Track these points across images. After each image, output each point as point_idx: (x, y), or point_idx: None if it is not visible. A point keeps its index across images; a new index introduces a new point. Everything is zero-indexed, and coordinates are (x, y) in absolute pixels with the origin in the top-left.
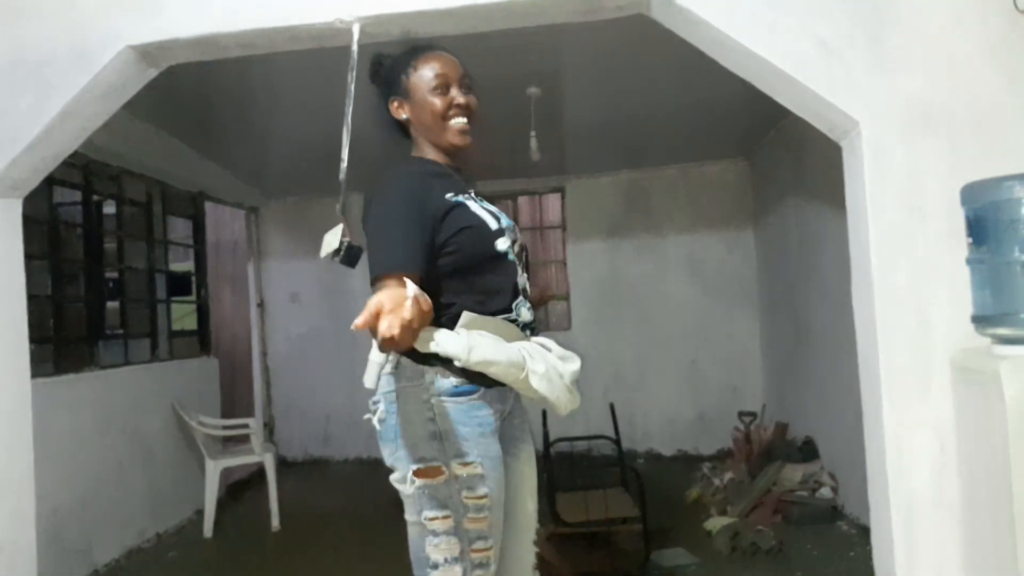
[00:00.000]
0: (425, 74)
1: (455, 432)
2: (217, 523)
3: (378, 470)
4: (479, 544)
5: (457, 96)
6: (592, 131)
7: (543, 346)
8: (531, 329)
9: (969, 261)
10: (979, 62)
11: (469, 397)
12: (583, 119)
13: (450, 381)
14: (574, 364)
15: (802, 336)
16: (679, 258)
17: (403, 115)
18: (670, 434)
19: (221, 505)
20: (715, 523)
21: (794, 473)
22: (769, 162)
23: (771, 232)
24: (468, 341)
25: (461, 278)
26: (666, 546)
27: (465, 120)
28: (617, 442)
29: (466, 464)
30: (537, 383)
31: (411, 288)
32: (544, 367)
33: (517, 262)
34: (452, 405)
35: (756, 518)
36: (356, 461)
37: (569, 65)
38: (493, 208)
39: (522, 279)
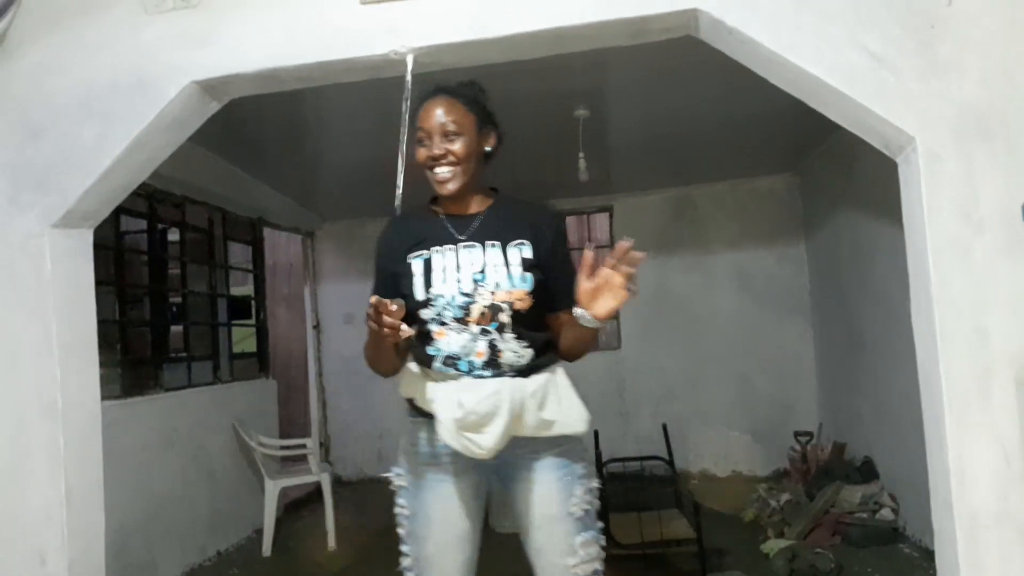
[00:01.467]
0: (417, 125)
1: (399, 447)
2: (276, 542)
3: None
4: (403, 549)
5: (434, 148)
6: (639, 148)
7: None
8: (494, 372)
9: None
10: None
11: (413, 421)
12: (630, 137)
13: (408, 405)
14: (462, 412)
15: (857, 350)
16: (728, 273)
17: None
18: (724, 454)
19: (279, 524)
20: (772, 545)
21: (853, 494)
22: (819, 175)
23: (823, 245)
24: (404, 372)
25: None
26: (723, 568)
27: (446, 170)
28: (671, 463)
29: (396, 475)
30: (439, 429)
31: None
32: (440, 411)
33: (453, 327)
34: (408, 424)
35: (814, 540)
36: None
37: (616, 83)
38: (459, 264)
39: (461, 345)
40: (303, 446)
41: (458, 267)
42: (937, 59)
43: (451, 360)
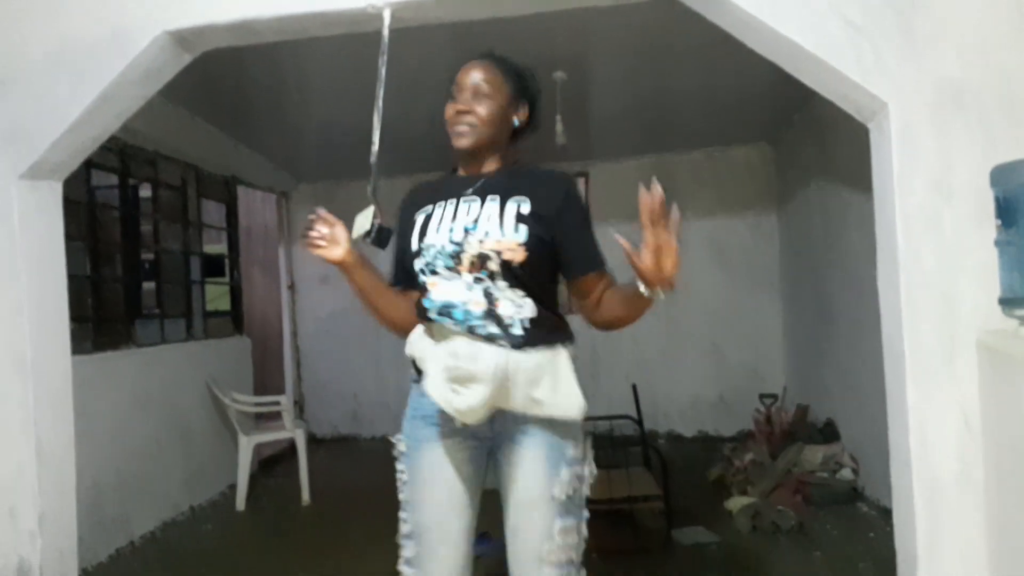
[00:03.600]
0: (454, 83)
1: (403, 412)
2: (249, 497)
3: None
4: (402, 515)
5: (459, 102)
6: (617, 115)
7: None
8: (483, 336)
9: (997, 243)
10: (1011, 42)
11: (415, 386)
12: (609, 103)
13: (413, 370)
14: (455, 361)
15: (824, 318)
16: (702, 242)
17: None
18: (691, 415)
19: (253, 480)
20: (736, 503)
21: (814, 454)
22: (794, 146)
23: (795, 215)
24: (412, 334)
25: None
26: (687, 524)
27: (464, 126)
28: (639, 422)
29: (397, 440)
30: (425, 382)
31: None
32: (430, 366)
33: (447, 276)
34: (411, 387)
35: (776, 498)
36: (383, 439)
37: (595, 49)
38: (456, 215)
39: (450, 292)
40: (277, 403)
41: (454, 217)
42: (915, 32)
43: (446, 310)
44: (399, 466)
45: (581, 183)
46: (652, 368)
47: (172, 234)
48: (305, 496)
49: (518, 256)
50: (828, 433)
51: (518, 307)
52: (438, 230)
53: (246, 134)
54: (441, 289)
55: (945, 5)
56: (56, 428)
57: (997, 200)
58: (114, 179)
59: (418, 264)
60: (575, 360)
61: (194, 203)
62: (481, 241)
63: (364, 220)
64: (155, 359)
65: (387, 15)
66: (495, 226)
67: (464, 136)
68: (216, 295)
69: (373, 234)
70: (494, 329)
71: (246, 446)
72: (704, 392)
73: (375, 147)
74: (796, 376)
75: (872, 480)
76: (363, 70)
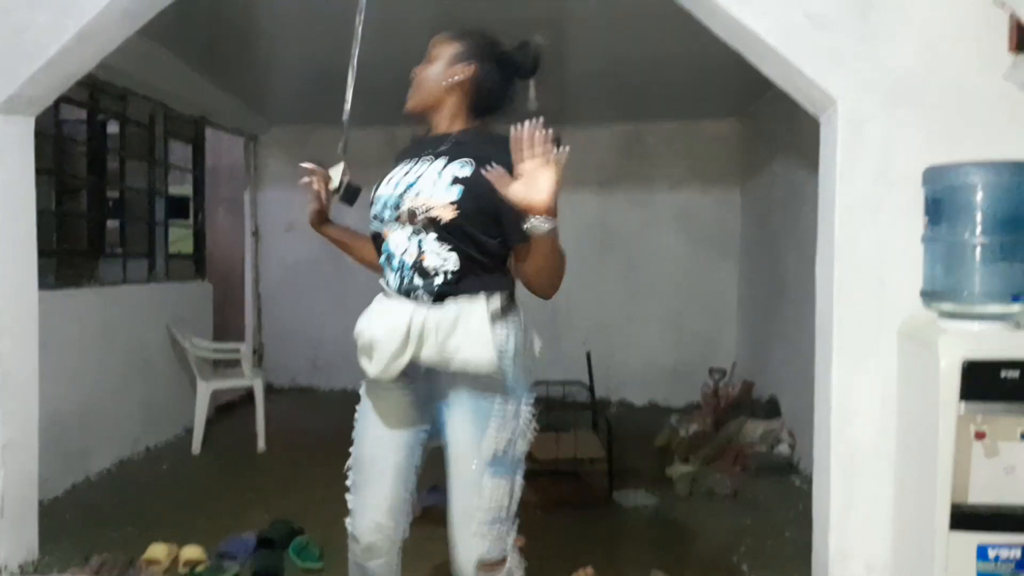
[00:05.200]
0: None
1: None
2: (205, 441)
3: None
4: (351, 449)
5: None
6: (591, 81)
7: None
8: (421, 275)
9: (924, 239)
10: (956, 45)
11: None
12: (583, 68)
13: None
14: (360, 330)
15: (777, 295)
16: (669, 212)
17: None
18: (645, 384)
19: (210, 424)
20: (677, 470)
21: (755, 428)
22: (763, 123)
23: (759, 191)
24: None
25: None
26: (629, 487)
27: (410, 90)
28: (591, 389)
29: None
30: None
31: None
32: (359, 330)
33: (391, 226)
34: None
35: (716, 467)
36: (343, 391)
37: (572, 13)
38: (408, 172)
39: (400, 244)
40: (236, 350)
41: (406, 173)
42: (869, 26)
43: (390, 257)
44: (357, 406)
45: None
46: (611, 336)
47: (138, 173)
48: (260, 443)
49: (446, 214)
50: (770, 409)
51: (442, 259)
52: (389, 183)
53: (217, 74)
54: (392, 239)
55: (899, 5)
56: (21, 359)
57: (927, 199)
58: (83, 114)
59: (371, 212)
60: (509, 308)
61: (161, 142)
62: (414, 197)
63: (334, 176)
64: (117, 298)
65: None
66: (428, 184)
67: (409, 99)
68: (179, 237)
69: (342, 190)
70: (418, 280)
71: (204, 391)
72: (659, 362)
73: (347, 105)
74: (746, 350)
75: (807, 455)
76: (338, 13)
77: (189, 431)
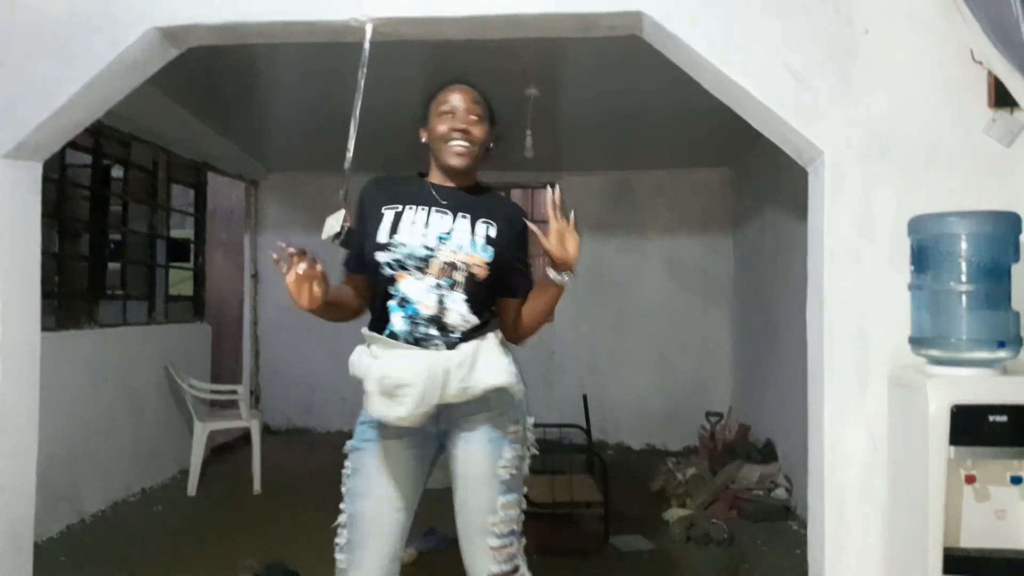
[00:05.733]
0: (439, 102)
1: (358, 410)
2: (201, 482)
3: None
4: (341, 506)
5: (459, 122)
6: (586, 130)
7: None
8: (420, 337)
9: (910, 287)
10: (936, 102)
11: (365, 393)
12: (577, 118)
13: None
14: (385, 373)
15: (769, 341)
16: (660, 258)
17: (423, 139)
18: (640, 428)
19: (206, 466)
20: (673, 513)
21: (752, 473)
22: (751, 172)
23: (749, 239)
24: (351, 358)
25: (371, 281)
26: (625, 532)
27: (464, 144)
28: (587, 431)
29: (349, 444)
30: (365, 401)
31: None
32: (368, 385)
33: (413, 273)
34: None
35: (712, 512)
36: (338, 433)
37: (566, 67)
38: (428, 222)
39: (418, 294)
40: (234, 391)
41: (427, 224)
42: (851, 82)
43: (404, 302)
44: (346, 461)
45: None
46: (605, 379)
47: (140, 216)
48: (256, 485)
49: (482, 273)
50: (767, 453)
51: (464, 320)
52: (411, 231)
53: (219, 121)
54: (407, 283)
55: (879, 62)
56: (21, 401)
57: (912, 248)
58: (87, 158)
59: (383, 257)
60: (505, 344)
61: (164, 186)
62: (454, 252)
63: (334, 222)
64: (116, 340)
65: (369, 29)
66: (467, 241)
67: (464, 155)
68: (179, 279)
69: (343, 236)
70: (434, 332)
71: (200, 432)
72: (654, 405)
73: (349, 153)
74: (742, 395)
75: (803, 500)
76: (338, 63)
77: (185, 472)
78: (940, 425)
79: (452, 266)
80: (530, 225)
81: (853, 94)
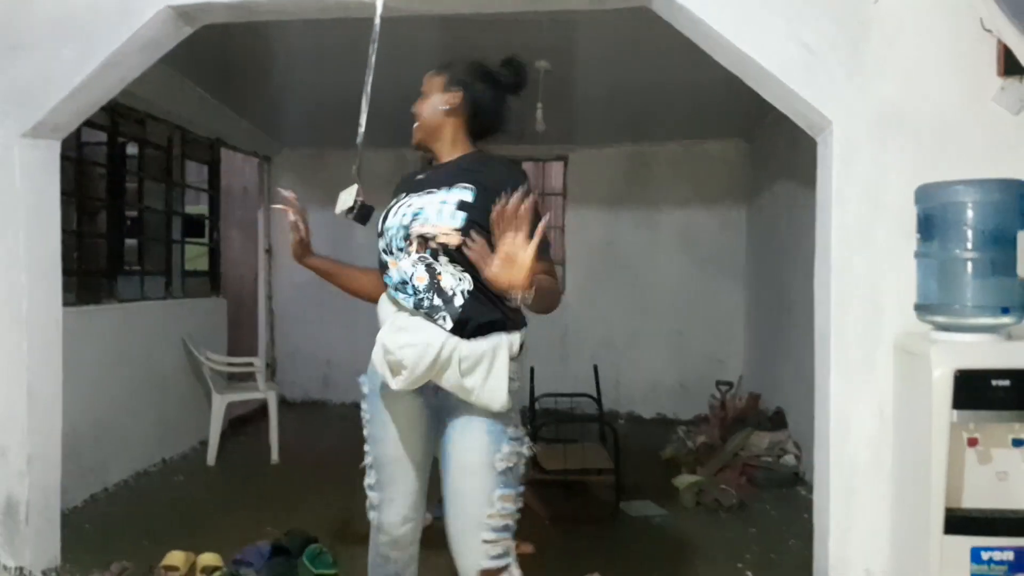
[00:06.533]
0: None
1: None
2: (220, 453)
3: None
4: (366, 448)
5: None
6: (598, 104)
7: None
8: (427, 308)
9: (917, 255)
10: (946, 72)
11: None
12: (590, 92)
13: None
14: (389, 348)
15: (782, 312)
16: (674, 231)
17: None
18: (652, 398)
19: (224, 437)
20: (683, 480)
21: (761, 440)
22: (766, 145)
23: (763, 211)
24: (380, 302)
25: None
26: (636, 498)
27: (415, 125)
28: (598, 400)
29: (361, 382)
30: (373, 352)
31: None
32: (378, 337)
33: (399, 255)
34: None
35: (722, 478)
36: (354, 406)
37: (579, 40)
38: (412, 203)
39: (402, 269)
40: (250, 364)
41: (411, 205)
42: (862, 55)
43: (401, 285)
44: (363, 404)
45: (560, 166)
46: (618, 350)
47: (155, 193)
48: (274, 455)
49: (453, 240)
50: (777, 421)
51: (458, 280)
52: (395, 214)
53: (232, 98)
54: (397, 268)
55: (891, 35)
56: (46, 375)
57: (919, 216)
58: (103, 136)
59: (380, 244)
60: (522, 346)
61: (178, 163)
62: (422, 224)
63: (347, 197)
64: (135, 314)
65: (380, 4)
66: (434, 212)
67: (413, 134)
68: (195, 255)
69: (356, 210)
70: (437, 301)
71: (219, 404)
72: (666, 376)
73: (362, 128)
74: (753, 365)
75: (812, 467)
76: (350, 40)
77: (204, 443)
78: (943, 389)
79: (424, 238)
80: (471, 247)
81: (864, 66)
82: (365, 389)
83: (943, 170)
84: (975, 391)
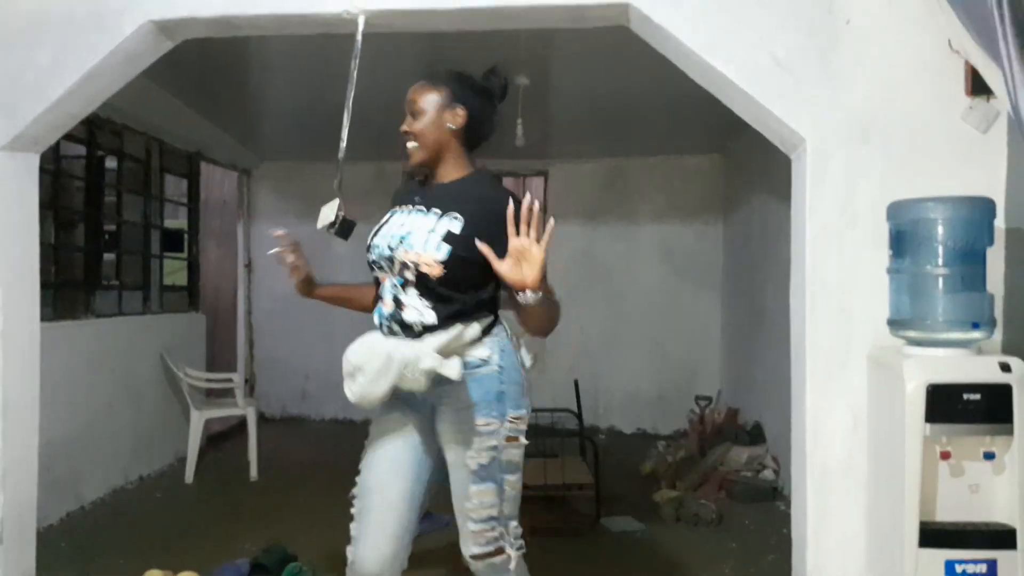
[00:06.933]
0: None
1: None
2: (198, 470)
3: (354, 429)
4: (357, 478)
5: (403, 126)
6: (577, 119)
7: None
8: (401, 328)
9: (889, 270)
10: (914, 88)
11: None
12: (569, 107)
13: None
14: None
15: (758, 325)
16: (651, 245)
17: None
18: (631, 412)
19: (202, 454)
20: (663, 495)
21: (740, 454)
22: (741, 159)
23: (738, 225)
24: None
25: None
26: (616, 512)
27: (410, 144)
28: (579, 416)
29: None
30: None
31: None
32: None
33: (387, 274)
34: None
35: (701, 493)
36: (332, 421)
37: (557, 56)
38: (403, 223)
39: (387, 293)
40: (229, 380)
41: (401, 224)
42: (832, 70)
43: (379, 299)
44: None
45: (541, 181)
46: (597, 365)
47: (134, 207)
48: (253, 472)
49: (434, 271)
50: (755, 435)
51: (421, 316)
52: (383, 233)
53: (211, 110)
54: (384, 285)
55: (859, 48)
56: (23, 391)
57: (891, 232)
58: (81, 149)
59: (369, 257)
60: (489, 334)
61: (157, 176)
62: (406, 251)
63: (329, 212)
64: (112, 330)
65: (361, 21)
66: (420, 240)
67: (411, 155)
68: (173, 269)
69: (337, 225)
70: (396, 329)
71: (197, 420)
72: (644, 390)
73: (343, 143)
74: (730, 377)
75: (790, 480)
76: (330, 54)
77: (182, 460)
78: (917, 404)
79: (403, 265)
80: (482, 247)
81: (834, 81)
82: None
83: (914, 185)
84: (947, 405)
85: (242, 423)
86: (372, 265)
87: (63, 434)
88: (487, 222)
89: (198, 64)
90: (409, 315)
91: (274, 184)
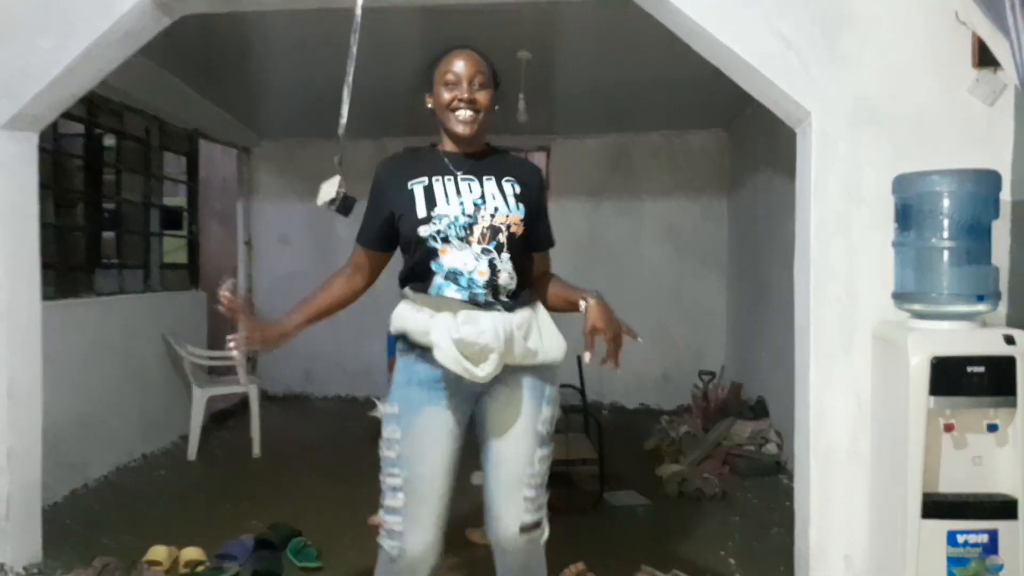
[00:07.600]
0: (443, 70)
1: (392, 380)
2: (201, 448)
3: (357, 407)
4: (391, 470)
5: (463, 92)
6: (580, 94)
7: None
8: (481, 303)
9: (894, 244)
10: (920, 65)
11: (405, 356)
12: (572, 83)
13: (400, 343)
14: (464, 338)
15: (762, 301)
16: (656, 222)
17: (429, 106)
18: (635, 389)
19: (205, 431)
20: (666, 470)
21: (743, 429)
22: (746, 135)
23: (743, 202)
24: (397, 311)
25: (405, 254)
26: (620, 488)
27: (469, 113)
28: (582, 392)
29: (386, 404)
30: (436, 353)
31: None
32: (439, 338)
33: (464, 246)
34: (398, 360)
35: (705, 468)
36: (336, 399)
37: (560, 30)
38: (459, 191)
39: (467, 263)
40: (231, 358)
41: (459, 192)
42: (839, 49)
43: (452, 275)
44: (390, 427)
45: (543, 156)
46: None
47: (133, 185)
48: (256, 449)
49: (519, 230)
50: (758, 410)
51: (511, 279)
52: (448, 202)
53: (211, 88)
54: (451, 256)
55: (866, 27)
56: (26, 370)
57: (896, 206)
58: (80, 128)
59: (425, 230)
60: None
61: (156, 155)
62: (492, 215)
63: (330, 188)
64: (114, 308)
65: None
66: (501, 203)
67: (470, 123)
68: (173, 248)
69: (338, 202)
70: (491, 298)
71: (199, 398)
72: (649, 367)
73: (343, 119)
74: (734, 355)
75: (794, 455)
76: (330, 30)
77: (185, 438)
78: (921, 376)
79: (495, 230)
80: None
81: (840, 59)
82: (395, 410)
83: (919, 160)
84: (951, 378)
85: (245, 401)
86: (435, 237)
87: (67, 412)
88: (530, 187)
89: (197, 42)
90: (503, 279)
91: (274, 162)
